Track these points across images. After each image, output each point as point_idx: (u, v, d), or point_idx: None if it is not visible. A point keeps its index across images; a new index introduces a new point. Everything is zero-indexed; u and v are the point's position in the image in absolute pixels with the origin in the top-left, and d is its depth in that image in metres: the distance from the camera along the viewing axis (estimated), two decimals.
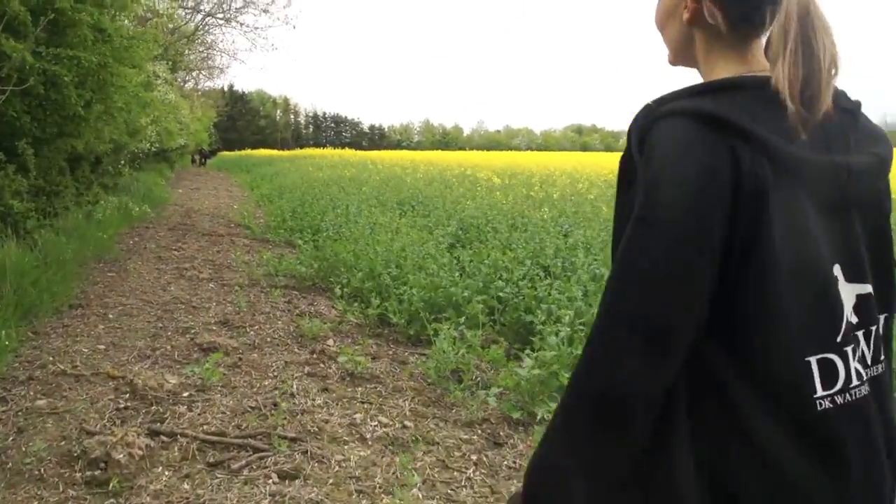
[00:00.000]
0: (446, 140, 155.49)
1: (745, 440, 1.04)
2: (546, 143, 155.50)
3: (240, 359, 5.55)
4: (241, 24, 31.91)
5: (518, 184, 15.69)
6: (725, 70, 1.20)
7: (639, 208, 1.05)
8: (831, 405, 1.06)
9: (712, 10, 1.18)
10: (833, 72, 1.11)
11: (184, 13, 33.71)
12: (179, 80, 40.95)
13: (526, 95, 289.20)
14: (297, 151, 52.40)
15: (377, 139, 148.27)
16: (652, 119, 1.10)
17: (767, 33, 1.16)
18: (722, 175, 1.02)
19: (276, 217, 14.08)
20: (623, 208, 1.15)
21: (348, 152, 43.19)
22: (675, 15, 1.27)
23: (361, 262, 8.08)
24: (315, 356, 5.74)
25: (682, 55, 1.31)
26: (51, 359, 5.32)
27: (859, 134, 1.18)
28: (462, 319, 5.97)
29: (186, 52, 37.38)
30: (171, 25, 31.94)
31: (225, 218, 15.98)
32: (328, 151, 43.60)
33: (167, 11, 29.94)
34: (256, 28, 31.68)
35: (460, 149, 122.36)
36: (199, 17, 33.14)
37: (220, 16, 32.41)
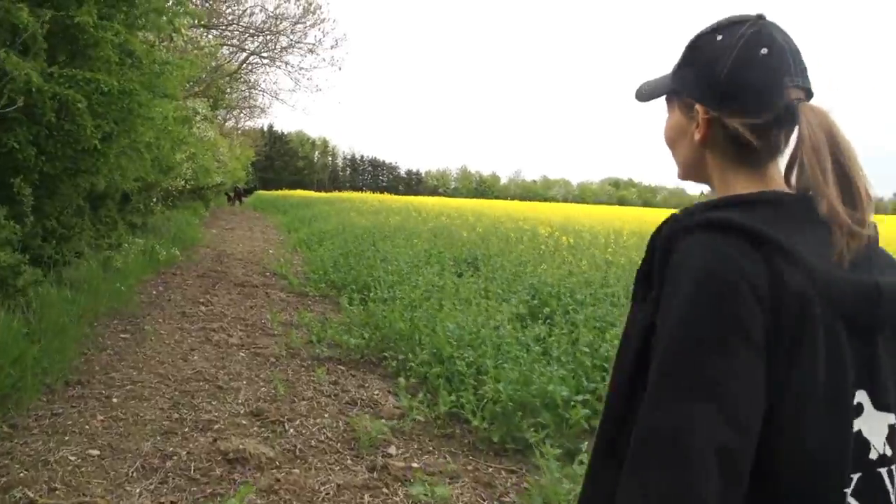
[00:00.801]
0: (483, 188, 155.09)
1: None
2: (583, 196, 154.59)
3: (277, 480, 4.13)
4: (286, 64, 30.95)
5: (585, 243, 14.24)
6: (743, 188, 1.17)
7: (672, 329, 1.01)
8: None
9: (725, 130, 1.17)
10: (870, 196, 1.10)
11: (227, 51, 32.92)
12: (220, 117, 40.36)
13: (563, 146, 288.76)
14: (336, 194, 51.42)
15: (414, 184, 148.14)
16: (679, 230, 1.08)
17: (785, 155, 1.18)
18: (759, 289, 1.00)
19: (317, 268, 12.75)
20: (634, 322, 1.14)
21: (389, 197, 42.11)
22: (685, 134, 1.25)
23: (424, 338, 6.67)
24: (376, 476, 4.32)
25: (693, 173, 1.29)
26: (21, 474, 3.94)
27: (878, 255, 1.13)
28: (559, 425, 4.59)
29: (228, 90, 36.68)
30: (213, 63, 31.23)
31: (260, 265, 14.70)
32: (368, 195, 42.49)
33: (210, 47, 29.24)
34: (301, 68, 30.58)
35: (496, 197, 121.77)
36: (243, 55, 32.30)
37: (266, 55, 31.55)
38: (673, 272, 1.05)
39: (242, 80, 36.09)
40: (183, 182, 21.59)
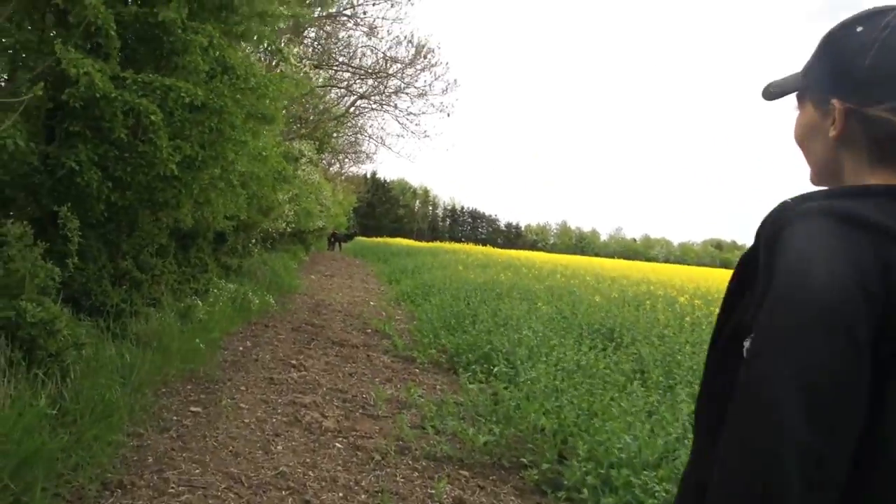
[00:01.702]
0: (582, 245, 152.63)
1: None
2: (684, 256, 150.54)
3: None
4: (395, 108, 29.99)
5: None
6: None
7: (771, 318, 0.98)
8: None
9: (865, 126, 1.11)
10: None
11: (335, 94, 32.27)
12: (324, 161, 39.90)
13: (665, 205, 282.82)
14: (437, 244, 50.05)
15: (513, 237, 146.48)
16: (789, 217, 1.04)
17: None
18: (870, 284, 0.94)
19: (425, 328, 11.18)
20: (732, 310, 1.11)
21: (494, 250, 40.51)
22: (819, 131, 1.19)
23: (579, 444, 4.98)
24: None
25: (827, 174, 1.21)
26: None
27: None
28: None
29: (335, 134, 36.12)
30: (321, 105, 30.65)
31: (360, 319, 13.26)
32: (471, 247, 40.91)
33: (319, 87, 28.60)
34: (410, 113, 29.56)
35: (595, 254, 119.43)
36: (351, 98, 31.59)
37: (375, 98, 30.71)
38: (777, 260, 1.00)
39: (350, 123, 35.49)
40: (284, 224, 20.55)
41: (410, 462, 5.35)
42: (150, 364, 5.93)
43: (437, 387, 8.14)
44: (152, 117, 4.78)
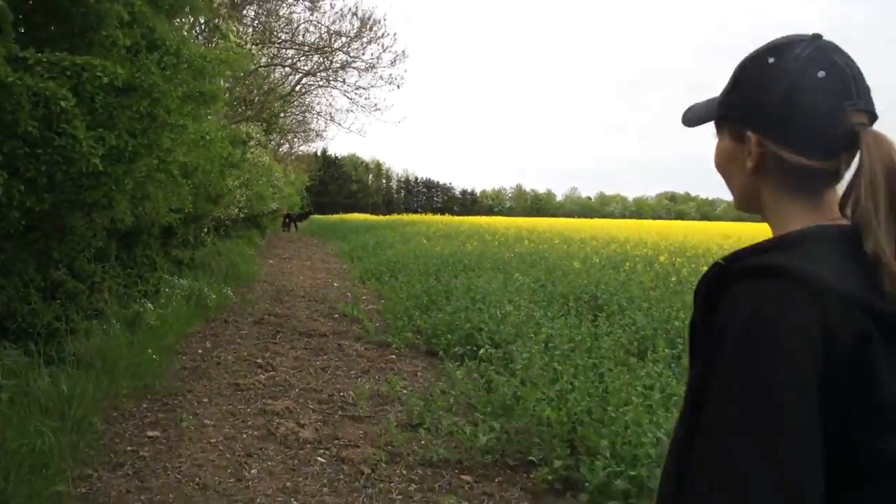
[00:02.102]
0: (538, 206, 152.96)
1: None
2: (640, 211, 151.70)
3: None
4: (343, 82, 28.93)
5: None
6: (796, 221, 1.10)
7: (723, 391, 0.96)
8: None
9: (779, 157, 1.09)
10: None
11: (279, 73, 31.11)
12: (273, 142, 38.78)
13: (618, 163, 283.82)
14: (395, 217, 49.20)
15: (469, 204, 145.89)
16: (723, 279, 1.03)
17: (844, 181, 1.08)
18: (814, 341, 0.93)
19: (397, 308, 10.50)
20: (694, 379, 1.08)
21: (453, 219, 39.83)
22: (737, 161, 1.17)
23: (598, 439, 4.37)
24: None
25: (749, 202, 1.20)
26: None
27: None
28: None
29: (282, 114, 35.00)
30: (266, 87, 29.59)
31: (326, 303, 12.54)
32: (430, 217, 40.16)
33: (259, 65, 27.53)
34: (359, 87, 28.52)
35: (552, 215, 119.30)
36: (297, 76, 30.44)
37: (322, 74, 29.58)
38: (719, 326, 0.99)
39: (297, 102, 34.37)
40: (237, 210, 19.68)
41: (405, 472, 4.71)
42: (95, 388, 5.19)
43: (419, 374, 7.51)
44: (63, 103, 4.00)
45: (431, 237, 23.00)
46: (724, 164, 1.20)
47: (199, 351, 8.10)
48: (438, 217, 41.38)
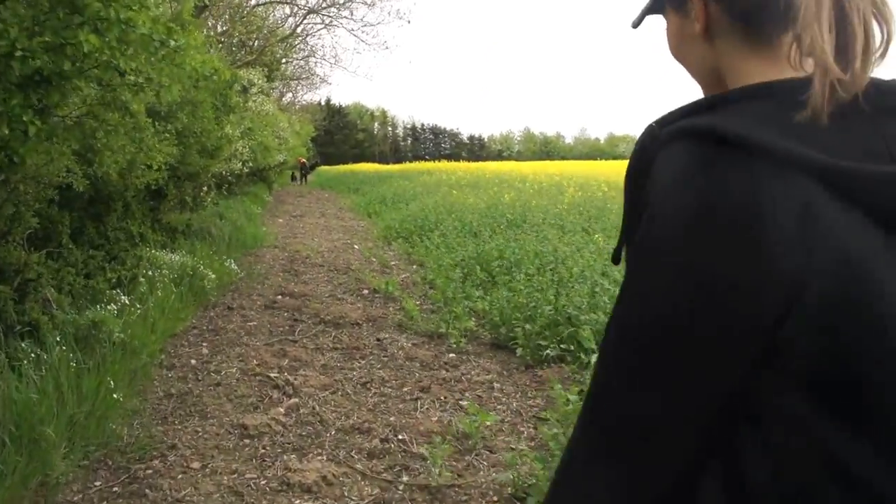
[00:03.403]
0: (548, 149, 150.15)
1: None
2: None
3: None
4: (351, 17, 26.31)
5: None
6: (757, 77, 0.91)
7: (630, 264, 0.85)
8: None
9: (725, 6, 0.94)
10: (870, 47, 0.83)
11: (280, 14, 28.47)
12: (276, 91, 36.45)
13: (628, 101, 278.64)
14: (408, 165, 46.34)
15: (477, 149, 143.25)
16: (655, 144, 0.88)
17: (795, 27, 0.85)
18: (733, 211, 0.74)
19: (446, 285, 8.28)
20: (621, 240, 0.96)
21: (474, 165, 37.25)
22: (687, 35, 1.03)
23: None
24: None
25: (711, 79, 1.03)
26: None
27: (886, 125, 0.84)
28: None
29: (284, 60, 32.41)
30: (265, 30, 27.10)
31: (350, 274, 10.36)
32: (448, 165, 37.44)
33: (257, 2, 25.04)
34: (366, 24, 25.91)
35: (562, 158, 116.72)
36: (299, 16, 27.80)
37: (325, 12, 26.94)
38: (645, 197, 0.84)
39: (299, 46, 31.78)
40: (240, 164, 17.37)
41: None
42: (19, 472, 3.00)
43: (496, 385, 5.36)
44: None
45: (457, 187, 20.66)
46: (677, 45, 1.06)
47: (192, 361, 5.91)
48: (457, 164, 38.64)
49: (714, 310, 0.74)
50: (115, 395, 4.09)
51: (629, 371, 0.80)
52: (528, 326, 6.17)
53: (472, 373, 5.76)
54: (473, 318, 7.17)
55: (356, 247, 13.71)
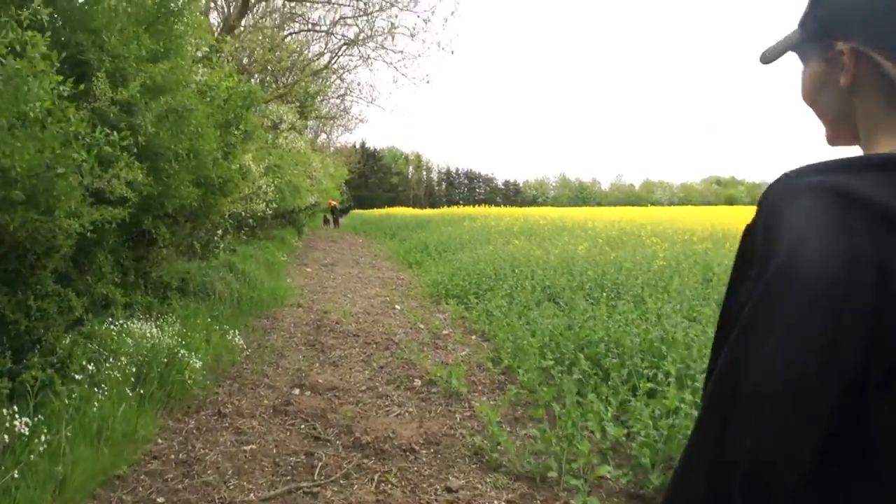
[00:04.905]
0: (583, 195, 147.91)
1: None
2: (688, 197, 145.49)
3: None
4: (388, 50, 23.94)
5: None
6: (889, 145, 0.93)
7: (752, 305, 0.82)
8: None
9: (875, 64, 0.92)
10: None
11: (316, 48, 26.17)
12: (310, 130, 34.37)
13: (662, 148, 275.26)
14: (446, 210, 43.45)
15: (512, 195, 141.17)
16: (787, 194, 0.87)
17: None
18: (862, 272, 0.76)
19: (529, 368, 5.60)
20: (735, 293, 0.90)
21: (520, 211, 34.55)
22: (828, 83, 1.01)
23: None
24: None
25: (844, 129, 1.03)
26: None
27: None
28: None
29: (319, 97, 30.01)
30: (301, 62, 24.83)
31: (394, 351, 7.76)
32: (493, 210, 34.65)
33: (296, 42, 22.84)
34: (406, 57, 23.47)
35: (598, 204, 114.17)
36: (335, 47, 25.54)
37: (363, 43, 24.63)
38: (769, 244, 0.84)
39: (335, 84, 29.52)
40: (264, 204, 14.84)
41: None
42: None
43: None
44: None
45: (510, 234, 17.97)
46: (814, 90, 1.03)
47: None
48: (502, 209, 35.78)
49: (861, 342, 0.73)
50: None
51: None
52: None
53: None
54: (597, 449, 4.49)
55: (398, 307, 11.09)
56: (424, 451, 4.74)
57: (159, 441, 4.61)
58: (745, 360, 0.80)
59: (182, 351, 5.43)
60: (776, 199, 0.86)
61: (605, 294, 8.65)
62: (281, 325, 9.06)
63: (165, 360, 5.17)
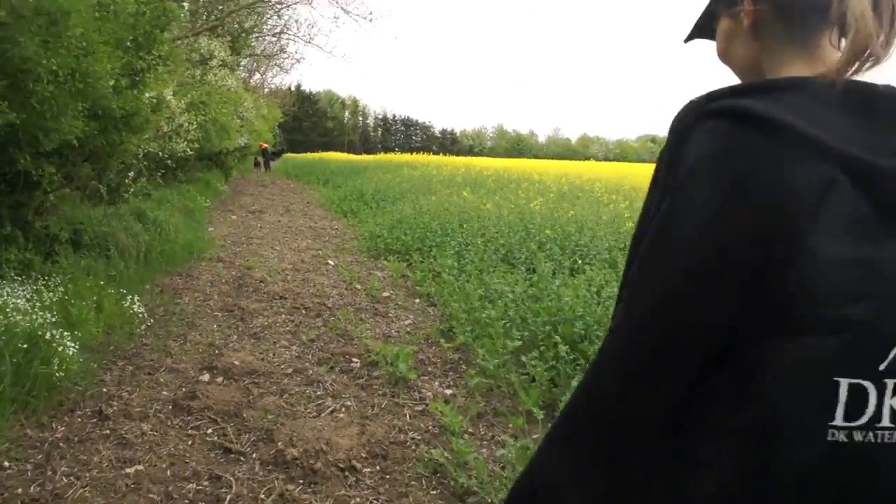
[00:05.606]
0: (520, 147, 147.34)
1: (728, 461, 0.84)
2: (623, 153, 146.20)
3: None
4: None
5: None
6: (796, 73, 0.96)
7: (656, 224, 0.88)
8: (846, 439, 0.81)
9: (771, 5, 0.98)
10: None
11: None
12: (243, 68, 32.36)
13: (600, 104, 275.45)
14: (383, 156, 41.72)
15: (448, 144, 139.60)
16: (695, 118, 0.90)
17: (834, 25, 0.93)
18: (759, 190, 0.80)
19: (487, 345, 4.50)
20: (645, 213, 0.96)
21: (463, 160, 33.29)
22: (735, 34, 1.06)
23: None
24: None
25: (753, 76, 1.06)
26: None
27: None
28: None
29: (253, 35, 28.05)
30: None
31: (327, 319, 6.63)
32: (433, 158, 33.14)
33: None
34: None
35: (534, 156, 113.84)
36: None
37: None
38: (677, 165, 0.88)
39: (271, 22, 27.58)
40: (185, 144, 13.29)
41: None
42: None
43: None
44: None
45: (454, 185, 16.78)
46: (725, 46, 1.08)
47: None
48: (443, 158, 34.36)
49: (732, 245, 0.79)
50: None
51: (656, 300, 0.84)
52: None
53: None
54: None
55: (331, 262, 9.88)
56: (368, 471, 3.62)
57: (6, 464, 3.37)
58: (640, 284, 0.86)
59: (51, 332, 4.14)
60: (685, 124, 0.89)
61: (570, 259, 7.59)
62: (195, 285, 7.78)
63: (24, 345, 3.89)
